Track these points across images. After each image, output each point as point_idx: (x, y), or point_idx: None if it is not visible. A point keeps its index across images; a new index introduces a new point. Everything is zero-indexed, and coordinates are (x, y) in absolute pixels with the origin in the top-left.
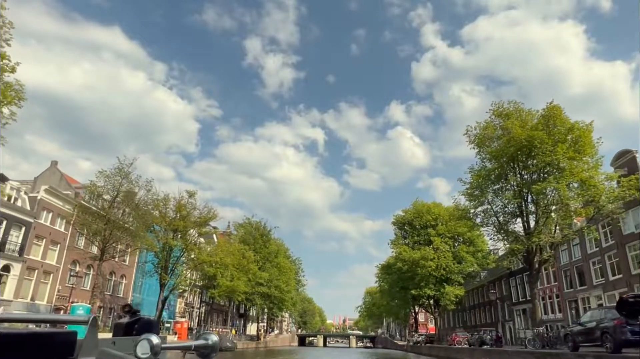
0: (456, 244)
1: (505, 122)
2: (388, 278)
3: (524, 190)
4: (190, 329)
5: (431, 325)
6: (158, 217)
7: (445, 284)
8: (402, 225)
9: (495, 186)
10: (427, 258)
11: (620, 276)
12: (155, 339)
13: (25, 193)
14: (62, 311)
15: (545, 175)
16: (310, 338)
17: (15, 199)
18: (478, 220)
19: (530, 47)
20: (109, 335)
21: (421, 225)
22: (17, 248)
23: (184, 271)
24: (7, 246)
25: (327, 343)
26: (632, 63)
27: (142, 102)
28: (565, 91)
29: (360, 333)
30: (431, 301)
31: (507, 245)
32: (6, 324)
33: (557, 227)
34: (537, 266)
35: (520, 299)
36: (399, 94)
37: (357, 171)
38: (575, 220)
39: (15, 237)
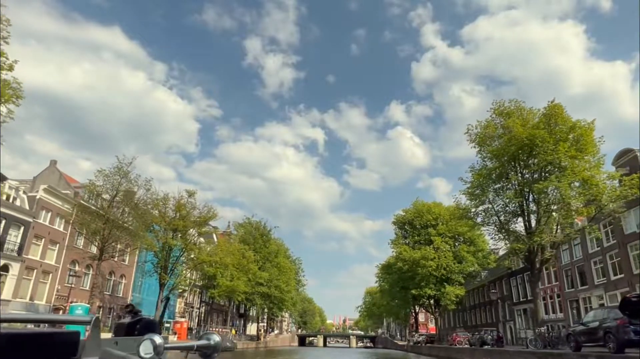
0: (457, 244)
1: (506, 120)
2: (388, 277)
3: (525, 189)
4: (189, 329)
5: (431, 325)
6: (157, 217)
7: (445, 284)
8: (403, 224)
9: (496, 186)
10: (428, 257)
11: (622, 275)
12: (158, 339)
13: (24, 192)
14: (61, 311)
15: (547, 174)
16: (311, 338)
17: (14, 198)
18: (479, 220)
19: (530, 47)
20: (108, 335)
21: (421, 224)
22: (16, 248)
23: (184, 271)
24: (5, 245)
25: (327, 343)
26: (632, 63)
27: (142, 102)
28: (566, 91)
29: (361, 333)
30: (431, 301)
31: (508, 245)
32: (5, 324)
33: (559, 227)
34: (538, 265)
35: (521, 299)
36: (399, 94)
37: (357, 171)
38: (576, 220)
39: (14, 237)
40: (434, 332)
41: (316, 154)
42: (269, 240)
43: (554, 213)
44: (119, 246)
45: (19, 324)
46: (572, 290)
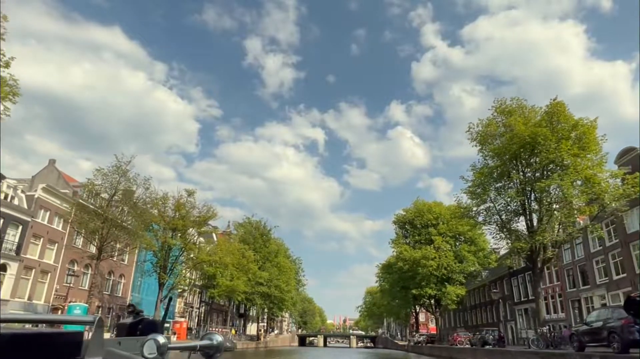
0: (457, 243)
1: (507, 118)
2: (389, 277)
3: (527, 187)
4: (189, 329)
5: (432, 325)
6: (157, 216)
7: (446, 283)
8: (403, 224)
9: (498, 184)
10: (428, 257)
11: (625, 275)
12: (162, 339)
13: (22, 191)
14: (59, 311)
15: (549, 173)
16: (311, 338)
17: (12, 197)
18: (480, 219)
19: (531, 47)
20: (107, 335)
21: (422, 224)
22: (14, 247)
23: (183, 271)
24: (3, 245)
25: (328, 343)
26: (633, 63)
27: (142, 102)
28: (566, 91)
29: (361, 332)
30: (432, 301)
31: (510, 244)
32: (3, 324)
33: (561, 226)
34: (540, 265)
35: (522, 299)
36: (399, 94)
37: (357, 171)
38: (578, 219)
39: (12, 236)
40: (435, 332)
41: (316, 154)
42: (269, 240)
43: (555, 212)
44: (118, 245)
45: (17, 324)
46: (574, 289)
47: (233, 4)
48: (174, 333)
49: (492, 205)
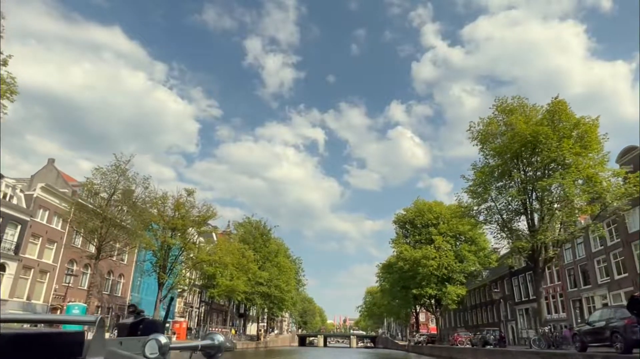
0: (458, 243)
1: (509, 117)
2: (389, 277)
3: (528, 186)
4: (189, 329)
5: (432, 325)
6: (156, 215)
7: (446, 283)
8: (404, 223)
9: (499, 183)
10: (429, 257)
11: (626, 274)
12: (163, 339)
13: (21, 191)
14: (58, 311)
15: (550, 172)
16: (311, 338)
17: (11, 197)
18: (481, 218)
19: (531, 46)
20: (107, 335)
21: (422, 223)
22: (13, 247)
23: (183, 271)
24: (2, 244)
25: (328, 343)
26: (633, 63)
27: (142, 102)
28: (566, 91)
29: (361, 332)
30: (432, 301)
31: (511, 244)
32: (4, 324)
33: (562, 225)
34: (541, 264)
35: (523, 299)
36: (399, 94)
37: (358, 171)
38: (579, 218)
39: (11, 236)
40: (435, 332)
41: (316, 154)
42: (268, 240)
43: (557, 211)
44: (117, 245)
45: (16, 324)
46: (575, 289)
47: (233, 4)
48: (174, 333)
49: (493, 204)
